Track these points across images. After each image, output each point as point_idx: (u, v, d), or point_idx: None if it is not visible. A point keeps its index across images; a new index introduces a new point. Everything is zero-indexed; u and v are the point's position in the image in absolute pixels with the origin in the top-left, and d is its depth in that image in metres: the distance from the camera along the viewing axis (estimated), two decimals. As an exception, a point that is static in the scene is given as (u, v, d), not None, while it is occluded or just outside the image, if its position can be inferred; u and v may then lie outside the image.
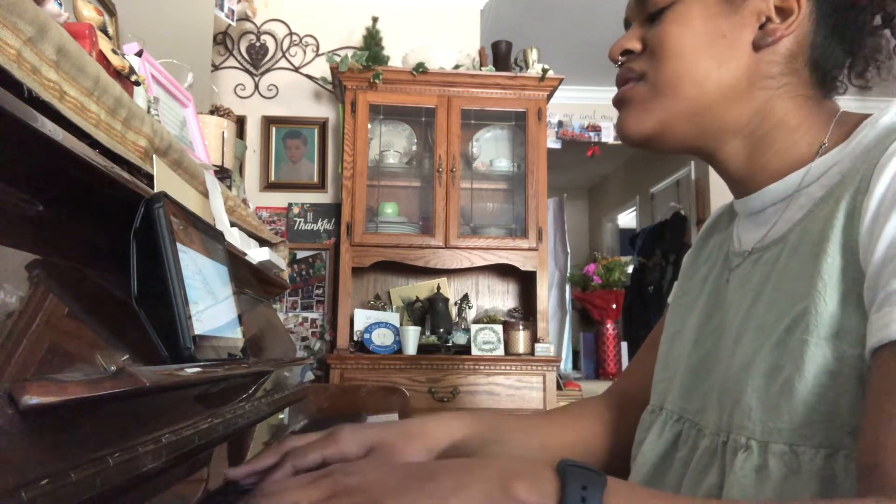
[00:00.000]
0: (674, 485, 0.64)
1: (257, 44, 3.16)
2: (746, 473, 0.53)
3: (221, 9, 2.46)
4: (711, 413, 0.62)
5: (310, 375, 1.45)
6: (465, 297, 2.94)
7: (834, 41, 0.61)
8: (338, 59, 2.75)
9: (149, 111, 0.95)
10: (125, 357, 0.54)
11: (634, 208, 5.66)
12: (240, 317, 0.85)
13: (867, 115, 0.59)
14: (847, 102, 0.62)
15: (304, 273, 3.03)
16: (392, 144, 2.99)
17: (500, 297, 3.07)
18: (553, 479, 0.42)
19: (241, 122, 3.03)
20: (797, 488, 0.50)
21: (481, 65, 2.93)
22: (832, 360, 0.50)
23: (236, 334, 0.82)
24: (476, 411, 0.81)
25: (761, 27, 0.61)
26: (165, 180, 0.81)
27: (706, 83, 0.62)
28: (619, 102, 0.68)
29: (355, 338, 2.74)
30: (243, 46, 3.16)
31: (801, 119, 0.62)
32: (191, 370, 0.60)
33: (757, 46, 0.61)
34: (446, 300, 2.81)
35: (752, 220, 0.66)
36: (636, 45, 0.66)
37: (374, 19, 2.93)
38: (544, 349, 2.70)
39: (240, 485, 0.64)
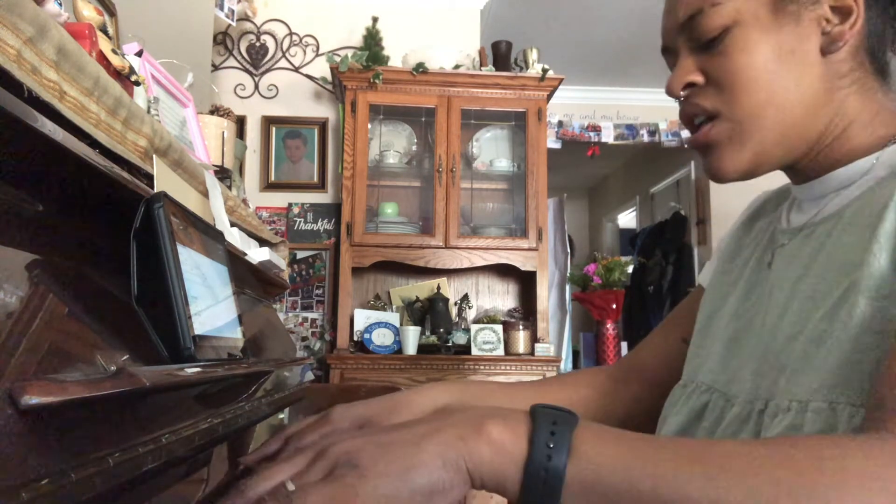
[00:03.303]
0: None
1: (257, 44, 3.16)
2: (780, 432, 0.53)
3: (221, 9, 2.46)
4: (744, 383, 0.62)
5: (310, 375, 1.45)
6: (465, 297, 2.93)
7: (886, 23, 0.60)
8: (338, 59, 2.75)
9: (149, 111, 0.95)
10: (125, 357, 0.54)
11: (634, 208, 5.66)
12: (240, 317, 0.85)
13: None
14: None
15: (304, 273, 3.03)
16: (392, 144, 2.99)
17: (500, 297, 3.07)
18: (525, 419, 0.44)
19: (241, 122, 3.03)
20: None
21: (481, 65, 2.93)
22: (879, 319, 0.50)
23: (236, 334, 0.82)
24: (463, 381, 0.83)
25: (824, 32, 0.59)
26: (165, 180, 0.81)
27: (788, 104, 0.60)
28: (702, 147, 0.64)
29: (355, 338, 2.74)
30: (243, 46, 3.16)
31: (873, 113, 0.61)
32: (191, 370, 0.60)
33: (825, 52, 0.59)
34: (446, 300, 2.81)
35: (810, 203, 0.65)
36: (698, 78, 0.63)
37: (374, 19, 2.93)
38: (544, 349, 2.70)
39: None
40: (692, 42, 0.63)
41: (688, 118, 0.65)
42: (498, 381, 0.85)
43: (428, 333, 2.76)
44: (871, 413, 0.45)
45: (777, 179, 0.72)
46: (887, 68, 0.62)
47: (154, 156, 0.80)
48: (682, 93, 0.64)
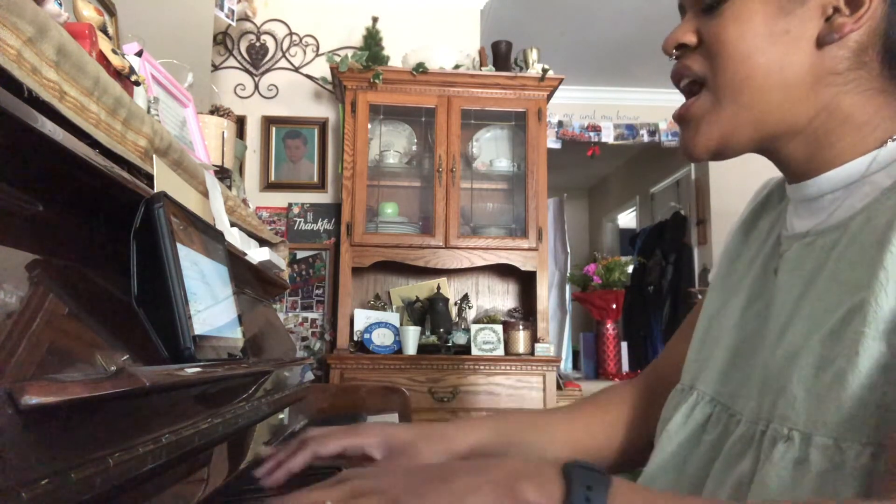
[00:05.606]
0: (700, 466, 0.63)
1: (257, 44, 3.16)
2: (786, 465, 0.52)
3: (221, 9, 2.46)
4: (749, 399, 0.60)
5: (310, 375, 1.45)
6: (465, 297, 2.94)
7: None
8: (338, 59, 2.75)
9: (149, 111, 0.95)
10: (125, 357, 0.54)
11: (634, 208, 5.67)
12: (240, 317, 0.85)
13: None
14: None
15: (304, 273, 3.03)
16: (392, 144, 2.99)
17: (500, 297, 3.07)
18: (559, 481, 0.43)
19: (241, 122, 3.03)
20: (838, 484, 0.48)
21: (481, 65, 2.93)
22: (888, 355, 0.48)
23: (236, 334, 0.82)
24: (496, 415, 0.82)
25: (827, 20, 0.56)
26: (165, 180, 0.81)
27: (767, 87, 0.58)
28: (680, 119, 0.64)
29: (355, 338, 2.74)
30: (243, 46, 3.16)
31: (870, 114, 0.58)
32: (191, 370, 0.60)
33: (821, 43, 0.57)
34: (446, 300, 2.81)
35: (806, 206, 0.63)
36: (692, 39, 0.62)
37: (374, 19, 2.93)
38: (544, 349, 2.70)
39: (241, 486, 0.64)
40: (698, 3, 0.62)
41: (676, 78, 0.65)
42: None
43: (428, 333, 2.76)
44: (891, 475, 0.44)
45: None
46: None
47: (154, 156, 0.80)
48: (674, 52, 0.64)
